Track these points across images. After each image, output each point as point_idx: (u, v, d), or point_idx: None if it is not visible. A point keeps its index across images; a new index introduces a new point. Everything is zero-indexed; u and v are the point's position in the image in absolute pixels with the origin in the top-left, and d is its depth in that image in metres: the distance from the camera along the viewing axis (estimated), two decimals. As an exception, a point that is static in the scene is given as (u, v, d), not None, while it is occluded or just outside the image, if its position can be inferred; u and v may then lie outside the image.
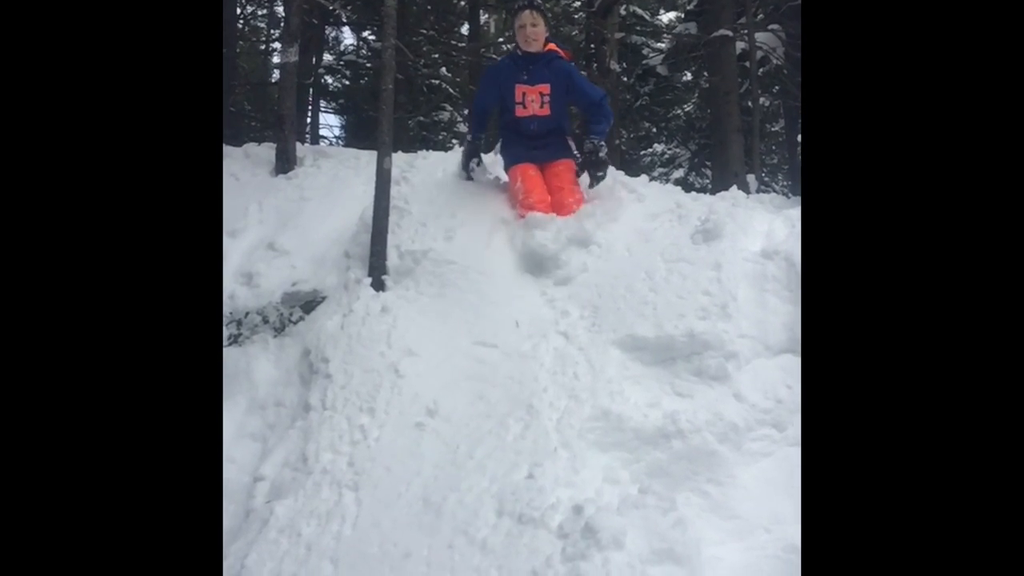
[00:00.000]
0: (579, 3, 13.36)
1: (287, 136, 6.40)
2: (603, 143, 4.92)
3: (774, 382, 3.80)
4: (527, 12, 4.95)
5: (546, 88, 4.95)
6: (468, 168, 5.23)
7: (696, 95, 14.16)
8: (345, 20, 14.39)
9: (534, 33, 4.95)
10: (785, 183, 15.07)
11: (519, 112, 5.01)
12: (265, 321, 4.67)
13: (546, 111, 4.99)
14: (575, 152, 5.11)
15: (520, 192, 4.93)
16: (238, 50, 11.10)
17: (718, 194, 5.63)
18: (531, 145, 5.07)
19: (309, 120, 14.03)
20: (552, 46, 5.06)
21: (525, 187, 4.93)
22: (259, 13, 14.80)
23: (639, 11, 13.27)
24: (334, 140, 15.29)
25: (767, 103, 13.12)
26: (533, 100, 4.97)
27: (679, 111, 14.81)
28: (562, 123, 5.11)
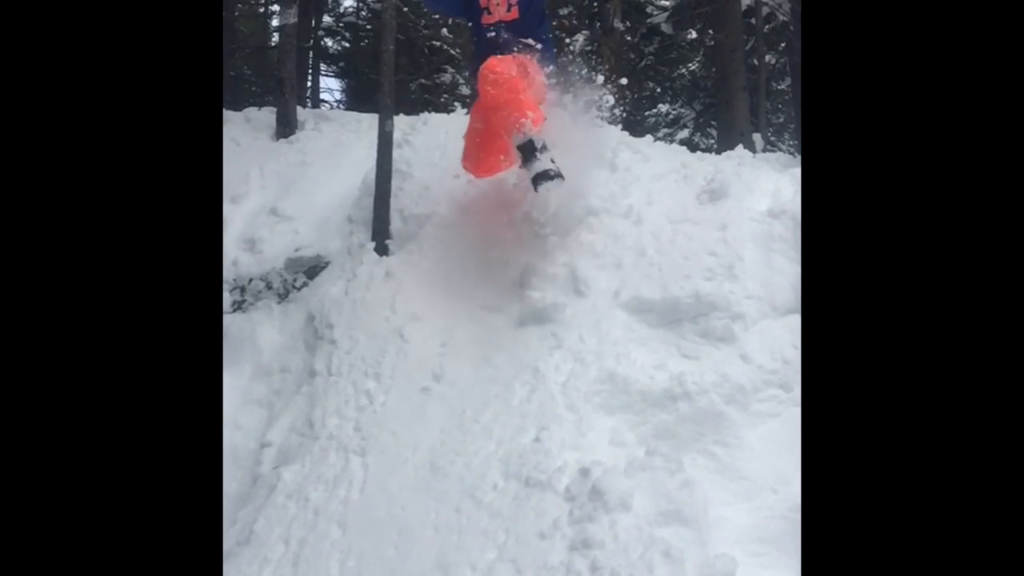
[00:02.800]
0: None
1: (287, 100, 6.34)
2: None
3: (781, 343, 3.78)
4: None
5: None
6: None
7: (701, 53, 13.97)
8: (345, -19, 14.19)
9: None
10: (791, 142, 14.91)
11: (485, 19, 4.36)
12: (269, 287, 4.66)
13: (514, 14, 4.31)
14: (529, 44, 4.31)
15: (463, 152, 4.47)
16: (236, 13, 10.96)
17: (724, 153, 5.57)
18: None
19: (309, 84, 13.90)
20: None
21: (464, 146, 4.46)
22: (257, -25, 14.60)
23: (643, -32, 13.05)
24: (335, 104, 15.16)
25: (773, 60, 12.94)
26: (499, 3, 4.32)
27: (683, 70, 14.63)
28: (536, 32, 4.35)
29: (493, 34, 4.31)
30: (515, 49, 4.23)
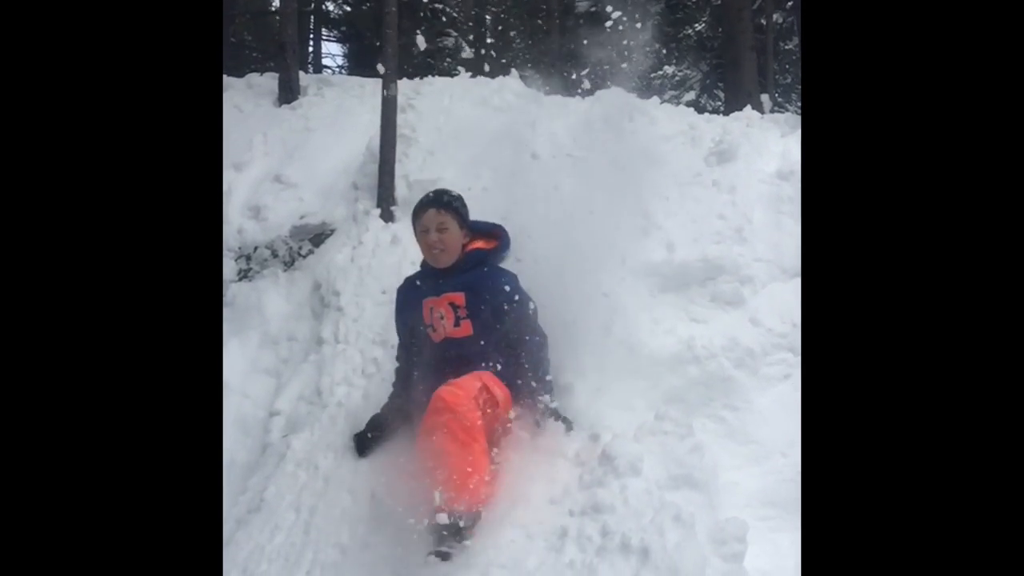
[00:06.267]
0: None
1: (290, 65, 6.28)
2: (548, 397, 3.12)
3: (790, 306, 3.76)
4: (431, 211, 3.26)
5: (459, 297, 3.17)
6: (363, 440, 3.29)
7: (707, 13, 13.80)
8: (345, -57, 14.00)
9: (440, 241, 3.23)
10: (800, 102, 14.77)
11: (433, 336, 3.22)
12: (274, 255, 4.64)
13: (465, 330, 3.15)
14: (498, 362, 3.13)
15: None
16: (236, -22, 10.85)
17: (731, 115, 5.51)
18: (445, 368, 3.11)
19: (311, 49, 13.79)
20: (478, 243, 3.34)
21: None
22: (256, -62, 14.40)
23: (648, -74, 12.85)
24: (337, 69, 15.04)
25: (780, 19, 12.78)
26: (442, 316, 3.18)
27: (690, 30, 14.45)
28: (499, 344, 3.16)
29: (446, 352, 3.17)
30: (484, 365, 3.09)
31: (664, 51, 14.93)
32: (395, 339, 3.76)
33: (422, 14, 12.90)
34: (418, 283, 3.35)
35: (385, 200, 4.57)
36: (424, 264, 3.37)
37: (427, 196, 3.35)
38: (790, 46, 14.35)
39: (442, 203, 3.29)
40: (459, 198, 3.36)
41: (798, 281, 3.87)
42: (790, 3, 12.14)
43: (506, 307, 3.13)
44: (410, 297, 3.34)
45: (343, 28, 14.89)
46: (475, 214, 3.41)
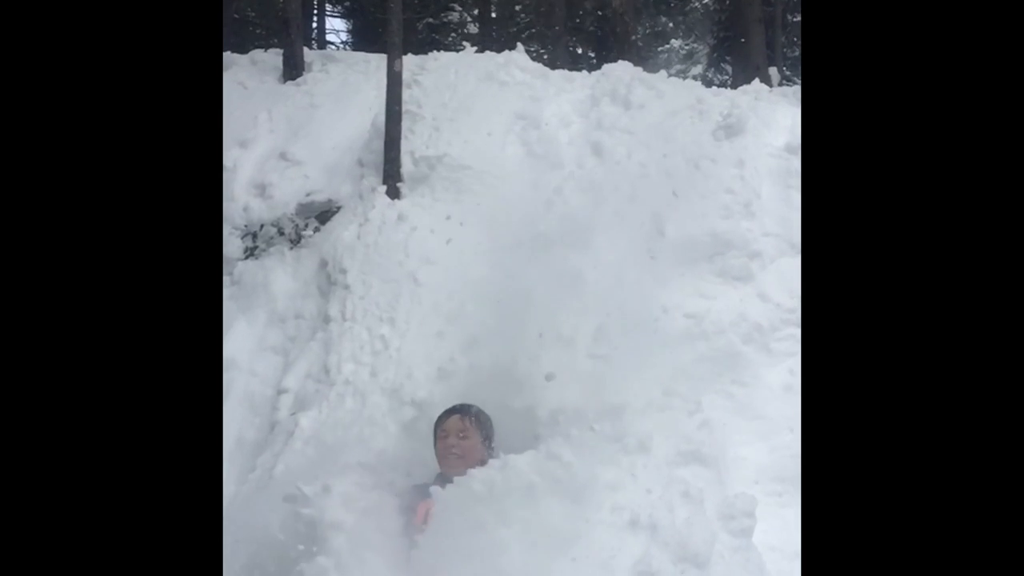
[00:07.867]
0: None
1: (294, 41, 6.21)
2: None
3: (799, 281, 3.73)
4: (455, 417, 3.19)
5: None
6: None
7: (715, -15, 13.65)
8: (347, -84, 13.86)
9: (459, 446, 3.13)
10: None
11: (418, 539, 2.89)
12: (280, 233, 4.63)
13: None
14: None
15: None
16: (239, -47, 10.73)
17: (740, 88, 5.45)
18: None
19: (315, 24, 13.68)
20: None
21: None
22: (258, -88, 14.25)
23: None
24: (341, 45, 14.92)
25: (789, -9, 12.65)
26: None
27: (697, 3, 14.30)
28: None
29: None
30: None
31: (671, 24, 14.78)
32: (402, 318, 3.76)
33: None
34: (424, 488, 3.04)
35: (391, 177, 4.55)
36: (437, 478, 3.11)
37: (454, 406, 3.26)
38: (798, 18, 14.19)
39: (468, 412, 3.20)
40: (487, 415, 3.23)
41: (807, 256, 3.85)
42: (799, -26, 12.00)
43: None
44: (411, 496, 3.05)
45: (347, 3, 14.76)
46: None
